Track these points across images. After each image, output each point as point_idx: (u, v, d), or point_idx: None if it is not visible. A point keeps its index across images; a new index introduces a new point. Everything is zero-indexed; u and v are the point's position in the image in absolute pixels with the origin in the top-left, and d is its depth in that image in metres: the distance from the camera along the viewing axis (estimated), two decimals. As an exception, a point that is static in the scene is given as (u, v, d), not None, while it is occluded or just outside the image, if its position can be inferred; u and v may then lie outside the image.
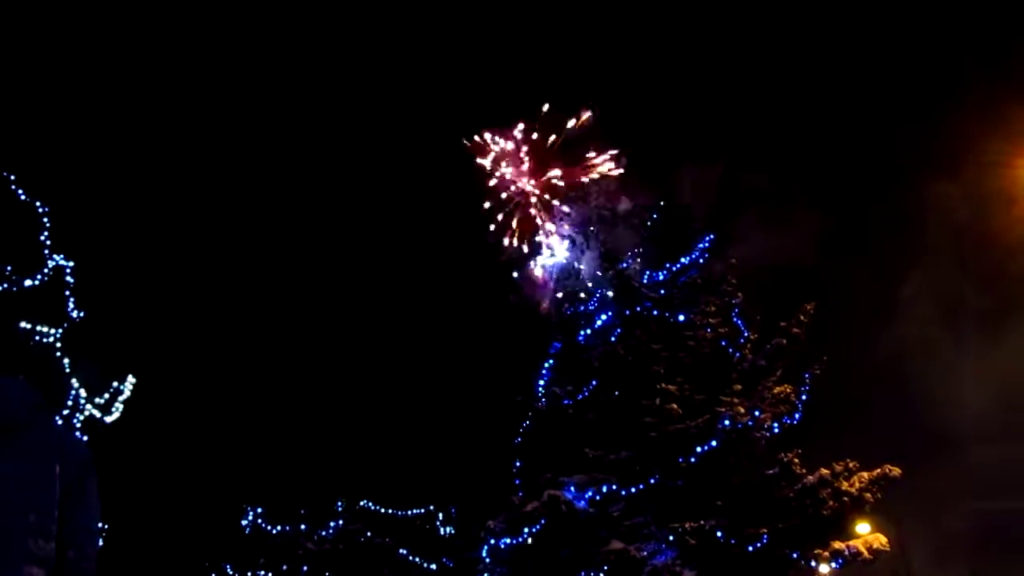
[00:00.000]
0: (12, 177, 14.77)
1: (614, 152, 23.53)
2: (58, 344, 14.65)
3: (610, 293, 18.06)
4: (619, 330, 17.55)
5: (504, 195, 24.60)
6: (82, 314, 14.91)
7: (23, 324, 14.32)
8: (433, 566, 20.81)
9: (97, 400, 15.15)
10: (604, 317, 18.08)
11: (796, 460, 16.05)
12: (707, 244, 18.07)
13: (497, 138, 24.65)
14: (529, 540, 16.20)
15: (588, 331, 18.27)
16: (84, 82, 23.19)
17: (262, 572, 21.04)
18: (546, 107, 24.39)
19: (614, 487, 16.21)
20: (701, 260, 18.04)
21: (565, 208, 23.18)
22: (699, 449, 15.85)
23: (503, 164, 24.64)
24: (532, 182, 24.59)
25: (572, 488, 16.45)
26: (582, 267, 19.73)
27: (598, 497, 16.27)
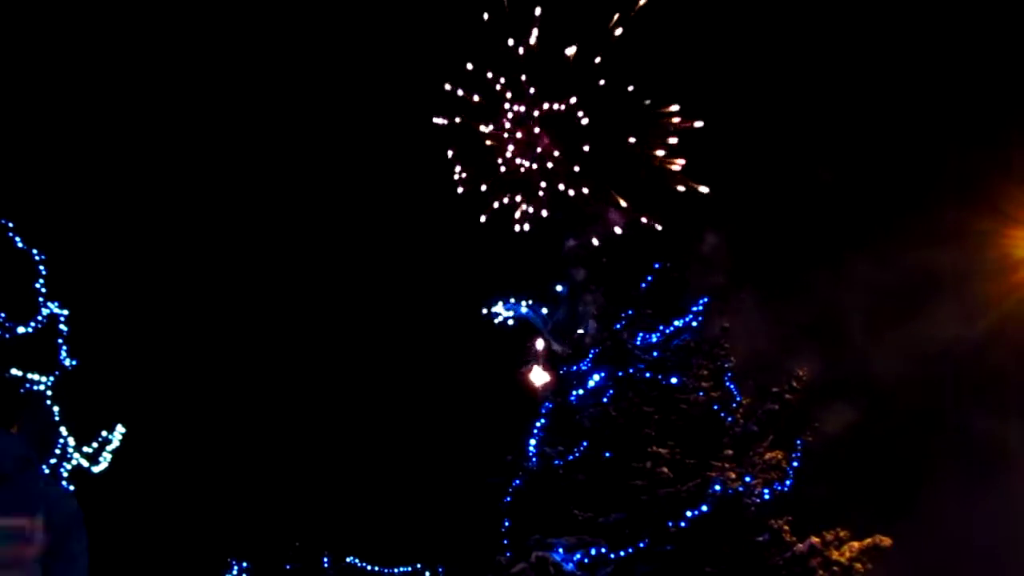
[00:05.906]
0: (10, 225, 14.86)
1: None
2: (49, 392, 14.61)
3: (598, 353, 18.09)
4: (611, 391, 17.54)
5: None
6: (75, 363, 14.89)
7: (14, 371, 14.29)
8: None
9: (85, 449, 15.06)
10: (597, 378, 18.07)
11: (787, 527, 15.98)
12: (700, 307, 18.13)
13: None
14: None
15: (580, 391, 18.25)
16: (82, 132, 23.38)
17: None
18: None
19: (603, 550, 16.10)
20: (694, 323, 18.08)
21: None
22: (689, 514, 15.78)
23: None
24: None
25: (561, 550, 16.32)
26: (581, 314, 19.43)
27: (587, 560, 16.15)
